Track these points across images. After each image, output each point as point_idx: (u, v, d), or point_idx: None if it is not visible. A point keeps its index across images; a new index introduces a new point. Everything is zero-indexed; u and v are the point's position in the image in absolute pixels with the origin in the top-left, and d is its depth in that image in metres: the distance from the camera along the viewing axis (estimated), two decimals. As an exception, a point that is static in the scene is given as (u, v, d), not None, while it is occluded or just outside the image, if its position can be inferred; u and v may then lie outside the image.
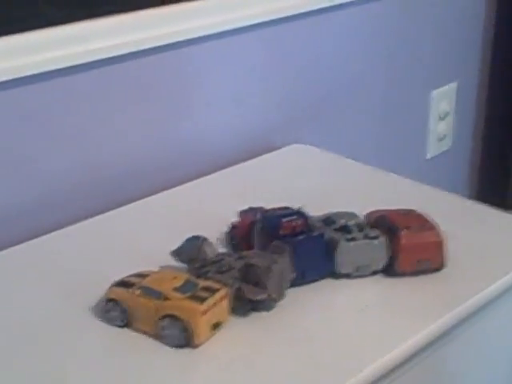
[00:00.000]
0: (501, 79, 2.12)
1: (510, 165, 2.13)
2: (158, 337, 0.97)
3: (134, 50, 1.30)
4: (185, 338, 0.96)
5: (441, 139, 2.02)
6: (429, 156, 2.01)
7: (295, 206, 1.15)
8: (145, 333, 0.98)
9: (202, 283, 0.99)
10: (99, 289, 1.04)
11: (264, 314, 1.03)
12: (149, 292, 0.98)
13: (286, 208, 1.15)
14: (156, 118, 1.39)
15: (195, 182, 1.40)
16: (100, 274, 1.09)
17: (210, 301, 0.96)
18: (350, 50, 1.70)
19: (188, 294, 0.97)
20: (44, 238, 1.22)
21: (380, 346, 0.98)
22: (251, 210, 1.16)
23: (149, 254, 1.15)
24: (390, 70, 1.82)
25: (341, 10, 1.64)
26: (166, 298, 0.96)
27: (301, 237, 1.09)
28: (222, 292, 0.99)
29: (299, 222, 1.11)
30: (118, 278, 1.03)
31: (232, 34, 1.44)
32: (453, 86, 2.00)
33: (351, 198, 1.30)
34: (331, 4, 1.59)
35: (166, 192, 1.37)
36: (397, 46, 1.81)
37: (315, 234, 1.10)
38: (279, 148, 1.55)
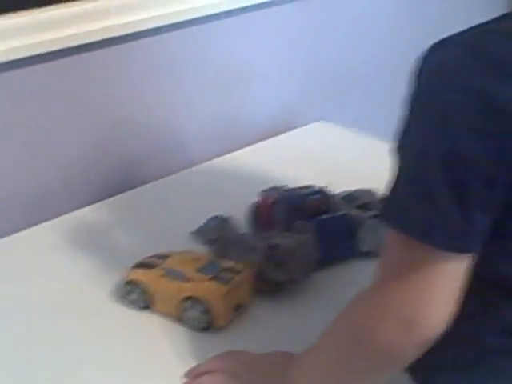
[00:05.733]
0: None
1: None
2: (179, 319, 0.96)
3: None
4: (207, 320, 0.94)
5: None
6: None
7: (318, 184, 1.13)
8: (166, 315, 0.97)
9: (225, 264, 0.98)
10: (117, 271, 1.02)
11: (287, 295, 1.01)
12: (171, 273, 0.96)
13: (309, 187, 1.13)
14: (180, 95, 1.38)
15: (215, 160, 1.39)
16: (118, 255, 1.08)
17: (233, 282, 0.95)
18: (375, 28, 1.67)
19: (211, 276, 0.95)
20: (60, 218, 1.21)
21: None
22: (273, 189, 1.14)
23: (168, 234, 1.13)
24: (415, 47, 1.78)
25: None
26: (189, 280, 0.94)
27: (325, 216, 1.06)
28: (245, 273, 0.97)
29: (322, 200, 1.09)
30: (136, 259, 1.01)
31: (258, 9, 1.42)
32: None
33: (374, 176, 1.27)
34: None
35: (186, 170, 1.35)
36: (421, 23, 1.78)
37: (339, 213, 1.08)
38: (302, 126, 1.53)
